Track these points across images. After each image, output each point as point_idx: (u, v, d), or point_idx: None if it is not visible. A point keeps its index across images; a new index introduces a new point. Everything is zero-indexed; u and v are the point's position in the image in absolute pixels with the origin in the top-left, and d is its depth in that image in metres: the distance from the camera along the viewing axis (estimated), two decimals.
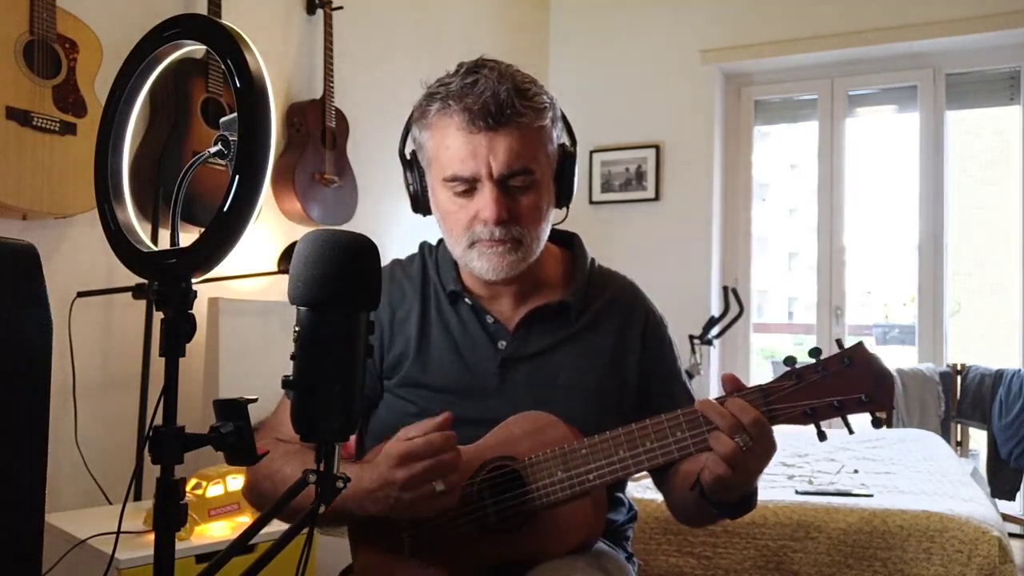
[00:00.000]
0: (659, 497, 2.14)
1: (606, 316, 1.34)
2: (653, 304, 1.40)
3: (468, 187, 1.22)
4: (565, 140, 1.32)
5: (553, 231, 1.39)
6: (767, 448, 1.09)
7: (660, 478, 1.38)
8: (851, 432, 1.14)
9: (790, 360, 1.13)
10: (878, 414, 1.11)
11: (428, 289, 1.35)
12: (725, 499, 1.16)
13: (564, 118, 1.32)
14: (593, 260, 1.41)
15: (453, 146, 1.21)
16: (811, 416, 1.11)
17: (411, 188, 1.33)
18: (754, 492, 1.19)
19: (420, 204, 1.33)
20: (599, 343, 1.32)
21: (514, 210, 1.22)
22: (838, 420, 1.15)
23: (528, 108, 1.20)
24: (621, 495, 1.40)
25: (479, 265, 1.25)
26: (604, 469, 1.16)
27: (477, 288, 1.32)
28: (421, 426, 1.12)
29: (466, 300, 1.32)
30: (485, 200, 1.21)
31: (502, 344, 1.30)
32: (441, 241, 1.35)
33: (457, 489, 1.11)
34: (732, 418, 1.08)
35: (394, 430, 1.27)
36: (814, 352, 1.13)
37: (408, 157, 1.32)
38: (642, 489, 2.24)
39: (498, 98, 1.17)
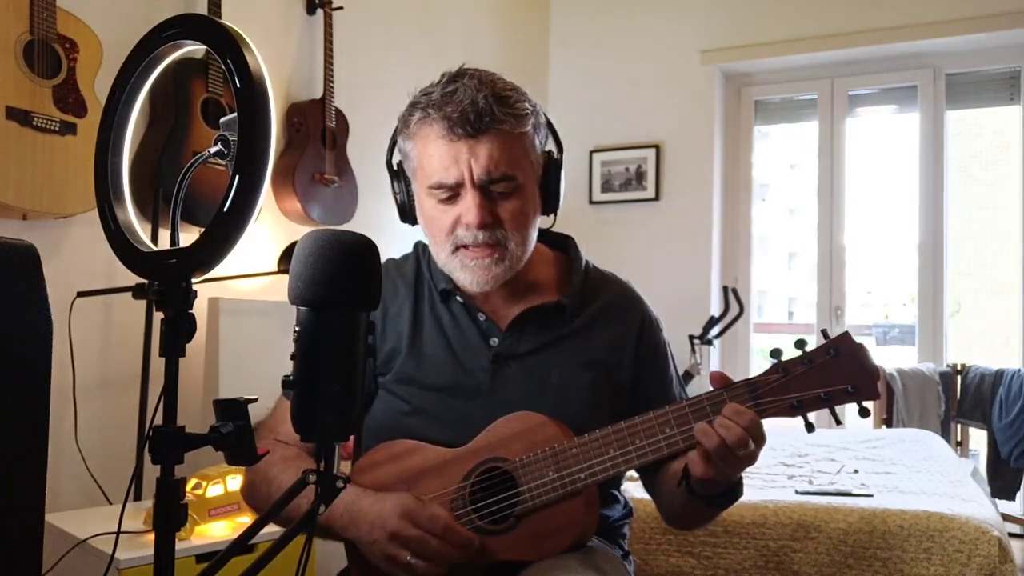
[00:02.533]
0: None
1: (602, 318, 1.34)
2: (649, 308, 1.41)
3: (452, 194, 1.23)
4: (551, 147, 1.32)
5: (547, 233, 1.39)
6: (760, 445, 1.10)
7: (649, 481, 1.39)
8: (839, 423, 1.15)
9: (776, 352, 1.13)
10: (865, 404, 1.11)
11: (421, 287, 1.36)
12: (710, 491, 1.16)
13: (550, 125, 1.32)
14: (588, 262, 1.41)
15: (435, 154, 1.22)
16: (798, 409, 1.12)
17: (398, 198, 1.35)
18: (738, 482, 1.19)
19: (407, 214, 1.34)
20: (593, 344, 1.32)
21: (497, 215, 1.23)
22: (830, 420, 1.15)
23: (508, 115, 1.21)
24: (616, 492, 1.40)
25: (462, 276, 1.26)
26: (595, 468, 1.16)
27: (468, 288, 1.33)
28: (440, 515, 1.15)
29: (458, 298, 1.32)
30: (467, 205, 1.21)
31: (494, 341, 1.30)
32: None
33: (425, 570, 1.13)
34: (720, 440, 1.08)
35: (389, 428, 1.28)
36: (800, 344, 1.13)
37: (395, 167, 1.33)
38: (641, 488, 2.24)
39: (477, 106, 1.18)
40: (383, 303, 1.34)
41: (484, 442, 1.22)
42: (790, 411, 1.12)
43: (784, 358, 1.14)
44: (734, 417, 1.08)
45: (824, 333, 1.14)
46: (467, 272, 1.25)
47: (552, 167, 1.30)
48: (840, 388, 1.11)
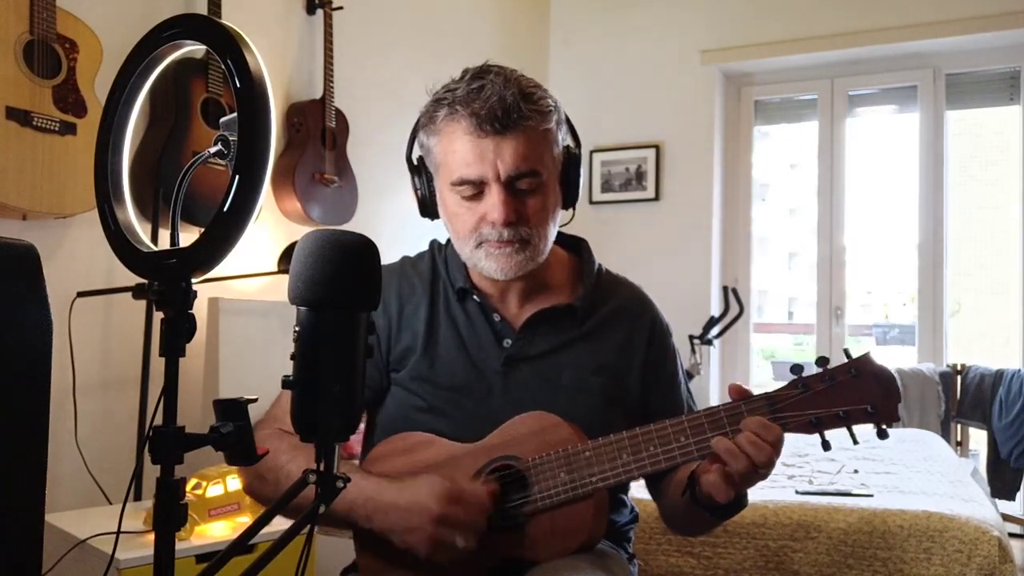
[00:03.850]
0: None
1: (613, 322, 1.35)
2: (660, 312, 1.41)
3: (476, 191, 1.23)
4: (570, 142, 1.33)
5: (561, 235, 1.39)
6: (778, 458, 1.11)
7: (655, 488, 1.39)
8: (855, 443, 1.15)
9: (797, 368, 1.14)
10: (883, 425, 1.11)
11: (437, 285, 1.37)
12: (716, 502, 1.16)
13: (568, 120, 1.33)
14: (600, 265, 1.42)
15: (460, 150, 1.22)
16: (816, 426, 1.12)
17: (419, 193, 1.34)
18: (744, 492, 1.19)
19: (428, 209, 1.34)
20: (604, 347, 1.33)
21: (521, 212, 1.24)
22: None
23: (534, 112, 1.21)
24: (624, 497, 1.41)
25: (487, 265, 1.26)
26: (607, 472, 1.17)
27: (485, 286, 1.34)
28: (480, 490, 1.16)
29: (474, 297, 1.33)
30: (493, 202, 1.22)
31: (507, 343, 1.31)
32: (450, 240, 1.36)
33: (470, 548, 1.13)
34: (749, 462, 1.09)
35: (400, 424, 1.28)
36: (821, 361, 1.13)
37: (416, 163, 1.33)
38: (641, 487, 2.24)
39: (504, 103, 1.19)
40: (399, 300, 1.35)
41: (498, 439, 1.22)
42: (809, 428, 1.12)
43: (804, 375, 1.14)
44: (761, 432, 1.08)
45: (846, 352, 1.14)
46: (491, 260, 1.25)
47: (572, 161, 1.31)
48: (859, 408, 1.11)
